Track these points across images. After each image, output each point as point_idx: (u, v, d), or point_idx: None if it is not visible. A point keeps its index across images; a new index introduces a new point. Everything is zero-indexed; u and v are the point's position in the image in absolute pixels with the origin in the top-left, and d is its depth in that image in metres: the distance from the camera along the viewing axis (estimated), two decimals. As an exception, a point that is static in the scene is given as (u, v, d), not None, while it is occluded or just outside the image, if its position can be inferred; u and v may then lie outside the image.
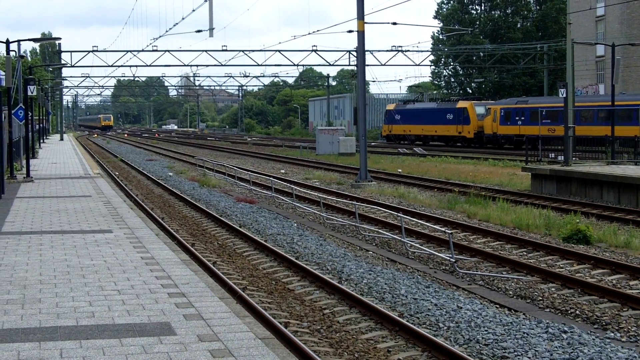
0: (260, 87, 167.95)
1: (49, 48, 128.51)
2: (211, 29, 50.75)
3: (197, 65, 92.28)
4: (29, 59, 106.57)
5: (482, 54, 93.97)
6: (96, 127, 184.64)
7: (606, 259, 18.28)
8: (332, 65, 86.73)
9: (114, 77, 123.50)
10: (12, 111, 33.83)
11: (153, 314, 10.58)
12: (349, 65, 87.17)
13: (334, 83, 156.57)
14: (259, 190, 34.82)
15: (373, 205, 27.93)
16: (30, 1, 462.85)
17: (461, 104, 76.18)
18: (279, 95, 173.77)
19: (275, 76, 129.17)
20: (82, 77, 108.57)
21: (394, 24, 55.86)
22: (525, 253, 19.71)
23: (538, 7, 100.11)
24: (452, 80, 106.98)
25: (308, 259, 18.72)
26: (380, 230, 22.76)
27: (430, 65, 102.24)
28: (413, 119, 79.44)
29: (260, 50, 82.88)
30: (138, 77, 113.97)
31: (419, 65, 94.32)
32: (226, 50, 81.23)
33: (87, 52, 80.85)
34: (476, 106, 74.61)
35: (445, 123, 76.54)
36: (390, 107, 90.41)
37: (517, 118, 68.04)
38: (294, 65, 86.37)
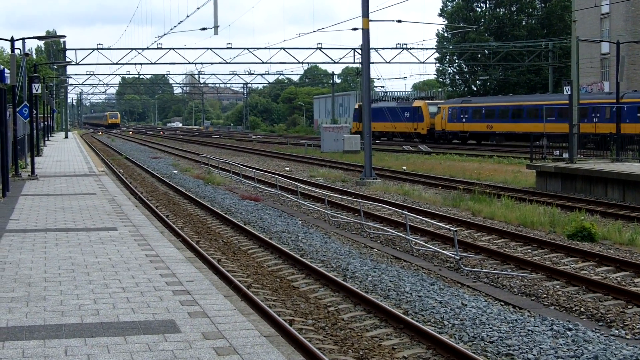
0: (265, 84, 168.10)
1: (54, 46, 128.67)
2: (216, 27, 50.68)
3: (202, 63, 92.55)
4: (34, 56, 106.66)
5: (487, 51, 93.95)
6: (102, 125, 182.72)
7: (611, 256, 18.26)
8: (337, 62, 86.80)
9: (118, 74, 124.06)
10: (17, 109, 33.88)
11: (158, 311, 10.58)
12: (354, 62, 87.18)
13: (338, 81, 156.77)
14: (264, 187, 34.82)
15: (378, 202, 27.92)
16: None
17: (416, 103, 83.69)
18: (284, 93, 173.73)
19: (280, 74, 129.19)
20: (86, 74, 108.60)
21: (399, 21, 55.90)
22: (530, 250, 19.69)
23: (543, 5, 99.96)
24: (457, 77, 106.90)
25: (313, 256, 18.72)
26: (385, 228, 22.76)
27: (435, 63, 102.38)
28: (377, 117, 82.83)
29: (265, 48, 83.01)
30: (143, 74, 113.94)
31: (423, 62, 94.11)
32: (231, 48, 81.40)
33: (91, 50, 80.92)
34: (429, 105, 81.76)
35: (403, 120, 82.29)
36: (358, 105, 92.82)
37: (462, 116, 75.96)
38: (299, 62, 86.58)
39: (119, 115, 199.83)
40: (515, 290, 15.59)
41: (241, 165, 44.44)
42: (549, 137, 42.77)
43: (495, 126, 70.90)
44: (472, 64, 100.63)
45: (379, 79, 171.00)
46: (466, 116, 75.43)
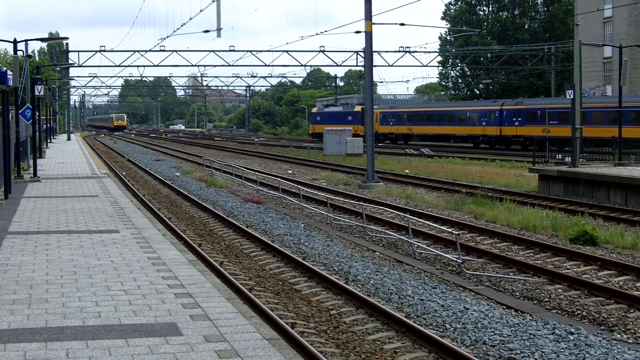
0: (268, 87, 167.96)
1: (57, 48, 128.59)
2: (219, 29, 50.74)
3: (204, 66, 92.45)
4: (37, 58, 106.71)
5: (489, 55, 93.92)
6: (108, 128, 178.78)
7: (613, 260, 18.26)
8: (340, 65, 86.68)
9: (121, 77, 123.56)
10: (20, 111, 33.90)
11: (159, 314, 10.59)
12: (357, 65, 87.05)
13: (341, 84, 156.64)
14: (266, 190, 34.82)
15: (380, 206, 27.92)
16: (37, 1, 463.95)
17: (357, 108, 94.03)
18: (287, 96, 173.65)
19: (283, 76, 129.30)
20: (89, 77, 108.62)
21: (402, 24, 55.91)
22: (532, 254, 19.68)
23: (545, 9, 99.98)
24: (460, 81, 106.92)
25: (315, 259, 18.72)
26: (387, 231, 22.76)
27: (438, 66, 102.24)
28: (327, 120, 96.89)
29: (268, 51, 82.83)
30: (145, 77, 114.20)
31: (426, 66, 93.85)
32: (234, 51, 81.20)
33: (94, 52, 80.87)
34: None
35: (347, 123, 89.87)
36: (314, 110, 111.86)
37: (390, 120, 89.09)
38: (302, 65, 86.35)
39: (125, 117, 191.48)
40: (518, 294, 15.59)
41: (244, 168, 44.46)
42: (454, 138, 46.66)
43: (414, 129, 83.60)
44: (474, 68, 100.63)
45: (381, 82, 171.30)
46: (393, 120, 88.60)
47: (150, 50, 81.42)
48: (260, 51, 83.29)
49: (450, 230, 21.46)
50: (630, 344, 12.28)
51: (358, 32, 61.54)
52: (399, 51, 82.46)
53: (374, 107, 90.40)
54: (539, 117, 65.51)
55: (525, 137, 67.40)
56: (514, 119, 69.62)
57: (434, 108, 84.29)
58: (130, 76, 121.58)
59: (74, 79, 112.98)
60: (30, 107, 36.02)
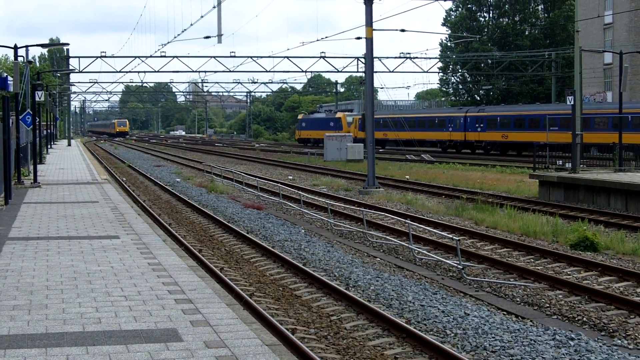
0: (269, 93, 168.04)
1: (57, 54, 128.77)
2: (220, 35, 50.82)
3: (205, 71, 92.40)
4: (37, 64, 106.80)
5: (490, 61, 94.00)
6: (109, 134, 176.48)
7: (613, 266, 18.25)
8: (341, 71, 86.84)
9: (122, 82, 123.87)
10: (20, 117, 33.91)
11: (160, 320, 10.58)
12: (357, 71, 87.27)
13: (342, 89, 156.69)
14: (267, 196, 34.82)
15: (381, 211, 27.92)
16: (37, 7, 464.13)
17: (338, 114, 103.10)
18: (287, 102, 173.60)
19: (284, 82, 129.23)
20: (90, 82, 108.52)
21: (403, 30, 55.91)
22: (532, 260, 19.68)
23: (546, 15, 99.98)
24: (460, 87, 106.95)
25: (315, 265, 18.71)
26: (387, 237, 22.75)
27: (439, 72, 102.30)
28: (312, 126, 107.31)
29: (269, 57, 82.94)
30: (146, 82, 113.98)
31: (427, 72, 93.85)
32: (234, 57, 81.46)
33: (95, 58, 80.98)
34: (347, 116, 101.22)
35: (330, 129, 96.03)
36: (300, 116, 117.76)
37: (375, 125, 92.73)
38: (303, 71, 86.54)
39: (127, 122, 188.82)
40: (518, 299, 15.58)
41: (244, 173, 44.46)
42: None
43: (388, 134, 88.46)
44: (475, 74, 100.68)
45: (382, 88, 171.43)
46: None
47: (151, 56, 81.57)
48: (261, 57, 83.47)
49: (450, 236, 21.48)
50: (630, 349, 12.27)
51: (359, 38, 61.74)
52: (400, 57, 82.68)
53: (356, 114, 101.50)
54: (499, 124, 71.72)
55: (487, 142, 73.63)
56: (477, 125, 74.82)
57: (406, 115, 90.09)
58: (130, 82, 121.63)
59: (74, 85, 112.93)
60: (31, 112, 36.02)
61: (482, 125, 73.96)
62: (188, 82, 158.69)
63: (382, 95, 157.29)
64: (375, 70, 44.41)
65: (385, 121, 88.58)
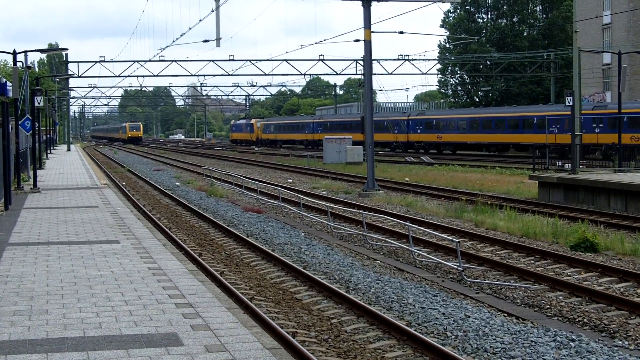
0: (268, 96, 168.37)
1: (56, 59, 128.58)
2: (218, 39, 50.68)
3: (204, 75, 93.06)
4: (36, 69, 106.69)
5: (488, 62, 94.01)
6: (120, 139, 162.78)
7: (613, 266, 18.25)
8: (339, 74, 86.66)
9: (121, 87, 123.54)
10: (19, 122, 33.91)
11: (160, 324, 10.58)
12: (356, 74, 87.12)
13: (341, 92, 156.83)
14: (267, 199, 34.82)
15: (380, 214, 27.91)
16: (35, 12, 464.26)
17: (252, 121, 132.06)
18: (286, 105, 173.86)
19: (283, 85, 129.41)
20: (89, 87, 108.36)
21: (401, 33, 55.98)
22: (532, 261, 19.68)
23: (544, 16, 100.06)
24: (459, 88, 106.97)
25: (316, 268, 18.71)
26: (387, 239, 22.75)
27: (437, 74, 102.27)
28: (238, 129, 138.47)
29: (267, 60, 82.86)
30: (145, 87, 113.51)
31: (425, 74, 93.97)
32: (233, 60, 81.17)
33: (94, 63, 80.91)
34: (258, 122, 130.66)
35: (248, 132, 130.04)
36: (232, 122, 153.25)
37: (266, 129, 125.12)
38: (301, 74, 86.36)
39: (141, 126, 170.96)
40: (519, 301, 15.58)
41: (244, 177, 44.47)
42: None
43: (278, 136, 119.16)
44: (474, 75, 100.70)
45: (381, 90, 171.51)
46: (269, 129, 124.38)
47: (149, 61, 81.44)
48: (260, 60, 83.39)
49: (450, 238, 21.45)
50: (631, 350, 12.27)
51: (357, 40, 61.57)
52: (399, 59, 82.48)
53: (263, 120, 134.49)
54: (434, 126, 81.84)
55: (425, 142, 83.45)
56: (417, 128, 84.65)
57: (351, 119, 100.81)
58: (129, 86, 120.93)
59: (73, 90, 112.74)
60: (30, 118, 36.02)
61: (421, 127, 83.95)
62: (187, 86, 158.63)
63: (381, 98, 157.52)
64: (373, 72, 44.46)
65: (277, 126, 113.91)
